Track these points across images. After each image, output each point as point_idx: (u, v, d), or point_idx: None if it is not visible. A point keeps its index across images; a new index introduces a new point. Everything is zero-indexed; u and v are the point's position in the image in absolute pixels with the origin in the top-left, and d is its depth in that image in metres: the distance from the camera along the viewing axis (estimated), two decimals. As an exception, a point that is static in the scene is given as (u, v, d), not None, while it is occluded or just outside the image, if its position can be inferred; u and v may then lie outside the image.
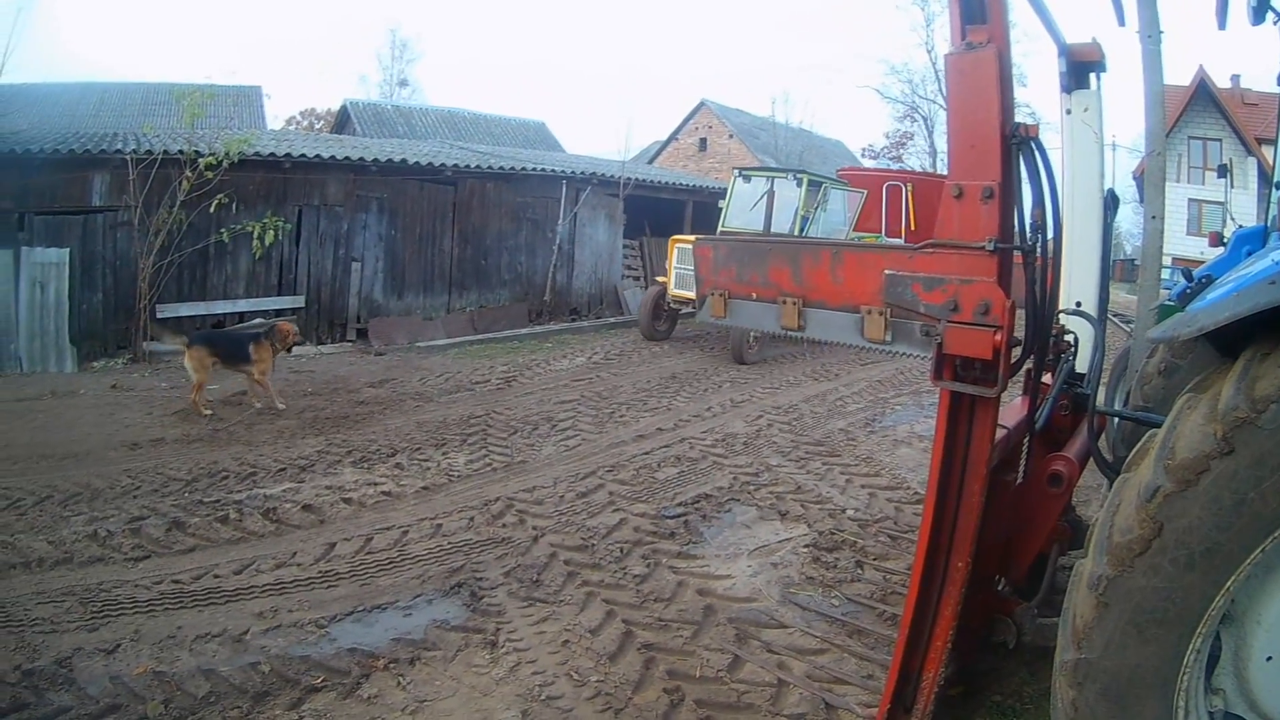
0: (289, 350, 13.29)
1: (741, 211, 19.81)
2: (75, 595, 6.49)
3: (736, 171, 20.89)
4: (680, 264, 18.39)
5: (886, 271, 4.01)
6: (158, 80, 32.78)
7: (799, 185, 19.00)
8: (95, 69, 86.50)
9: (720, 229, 20.04)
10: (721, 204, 21.22)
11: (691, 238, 16.85)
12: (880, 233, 24.81)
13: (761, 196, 19.07)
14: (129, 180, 15.76)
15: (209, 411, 12.13)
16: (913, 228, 24.95)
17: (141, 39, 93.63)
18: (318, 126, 55.48)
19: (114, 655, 5.67)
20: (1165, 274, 17.42)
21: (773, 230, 18.59)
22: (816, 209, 19.17)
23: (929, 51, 61.19)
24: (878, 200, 24.86)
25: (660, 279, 19.84)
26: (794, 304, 4.61)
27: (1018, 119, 3.77)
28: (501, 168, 21.93)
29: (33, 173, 15.55)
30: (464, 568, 7.09)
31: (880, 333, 4.14)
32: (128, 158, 15.85)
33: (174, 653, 5.72)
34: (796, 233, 18.48)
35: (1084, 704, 3.20)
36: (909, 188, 25.98)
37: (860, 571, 6.99)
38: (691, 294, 16.42)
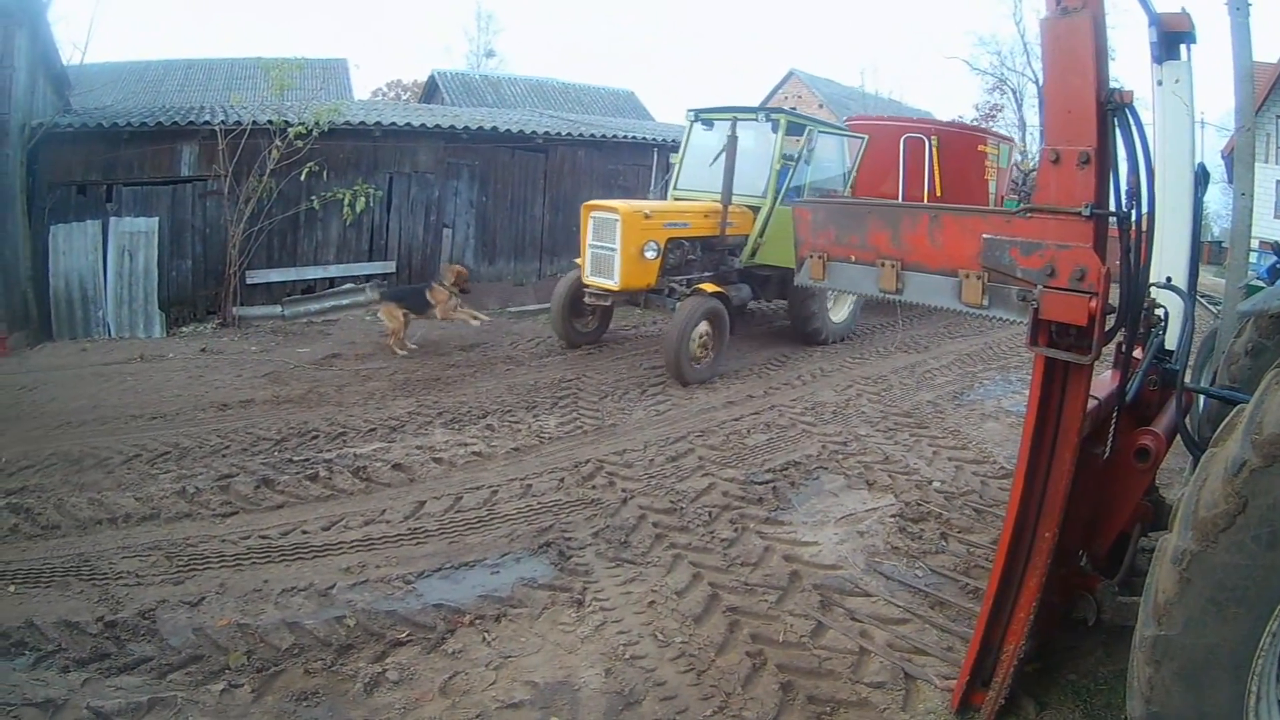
0: (461, 289, 14.49)
1: (699, 167, 14.99)
2: (161, 550, 6.67)
3: (692, 114, 15.79)
4: (596, 241, 13.06)
5: (985, 235, 4.00)
6: (241, 56, 33.08)
7: (775, 129, 14.21)
8: (178, 46, 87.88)
9: (671, 193, 15.59)
10: (674, 159, 16.26)
11: (612, 203, 13.12)
12: (897, 197, 19.17)
13: (726, 147, 13.28)
14: (218, 150, 15.97)
15: (402, 351, 13.69)
16: (938, 193, 19.71)
17: (224, 14, 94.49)
18: (404, 97, 55.72)
19: (198, 608, 5.82)
20: (1252, 257, 16.80)
21: (737, 192, 13.53)
22: (799, 161, 14.23)
23: (1017, 23, 60.22)
24: (893, 156, 19.63)
25: (579, 260, 13.94)
26: (892, 267, 4.61)
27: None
28: (592, 135, 21.75)
29: (120, 146, 15.86)
30: (553, 527, 7.17)
31: (978, 297, 4.13)
32: (217, 128, 16.07)
33: (259, 606, 5.87)
34: (772, 194, 14.18)
35: (1160, 683, 3.17)
36: (933, 141, 19.87)
37: (945, 544, 6.97)
38: (611, 284, 12.87)
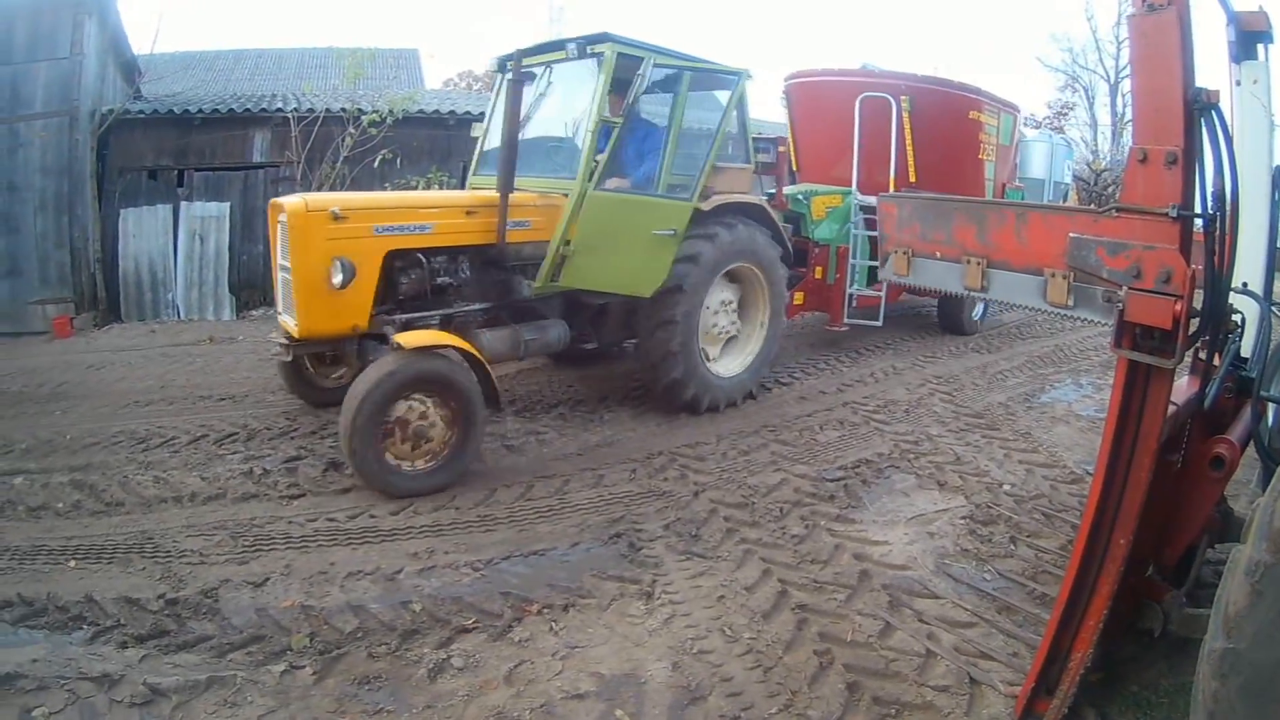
0: None
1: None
2: (226, 529, 6.79)
3: (495, 63, 10.84)
4: (282, 259, 8.40)
5: (1071, 234, 3.96)
6: (312, 46, 33.25)
7: (599, 67, 9.11)
8: (249, 35, 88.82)
9: (469, 180, 10.87)
10: (477, 132, 11.41)
11: (291, 199, 8.28)
12: (850, 183, 13.93)
13: (507, 105, 8.74)
14: (290, 137, 16.30)
15: None
16: (912, 179, 14.11)
17: (295, 4, 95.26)
18: (476, 88, 55.80)
19: (262, 588, 5.91)
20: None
21: (555, 175, 9.65)
22: (628, 120, 9.26)
23: (1089, 19, 59.55)
24: (845, 126, 13.99)
25: None
26: (978, 264, 4.58)
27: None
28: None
29: (191, 132, 16.20)
30: (623, 518, 7.19)
31: (1063, 297, 4.10)
32: (289, 116, 16.40)
33: (324, 588, 5.94)
34: (584, 174, 8.91)
35: (1225, 697, 3.09)
36: (903, 104, 14.01)
37: (1014, 548, 6.89)
38: (293, 326, 8.18)
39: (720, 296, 10.49)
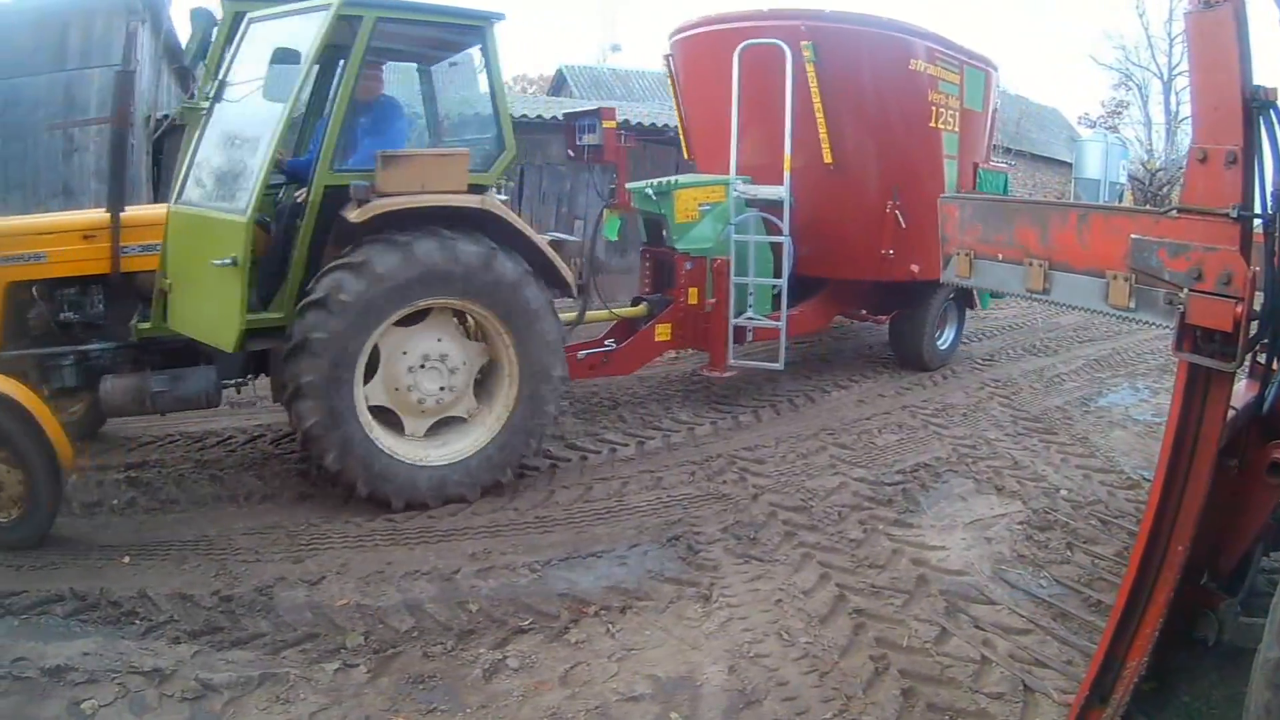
0: None
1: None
2: (283, 528, 6.85)
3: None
4: None
5: (1133, 236, 3.92)
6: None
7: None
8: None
9: (173, 204, 7.47)
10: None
11: None
12: (729, 168, 10.74)
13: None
14: (341, 140, 16.26)
15: None
16: (827, 159, 10.77)
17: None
18: (531, 91, 55.76)
19: (317, 586, 5.94)
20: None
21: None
22: (218, 100, 7.32)
23: (1140, 16, 58.89)
24: (721, 91, 10.65)
25: None
26: (1040, 266, 4.54)
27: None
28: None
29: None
30: (681, 521, 7.18)
31: (1125, 299, 4.06)
32: (344, 119, 16.35)
33: (380, 588, 5.96)
34: (178, 179, 7.63)
35: (1277, 707, 3.07)
36: (804, 53, 10.29)
37: (1070, 554, 6.83)
38: None
39: (423, 348, 7.54)
